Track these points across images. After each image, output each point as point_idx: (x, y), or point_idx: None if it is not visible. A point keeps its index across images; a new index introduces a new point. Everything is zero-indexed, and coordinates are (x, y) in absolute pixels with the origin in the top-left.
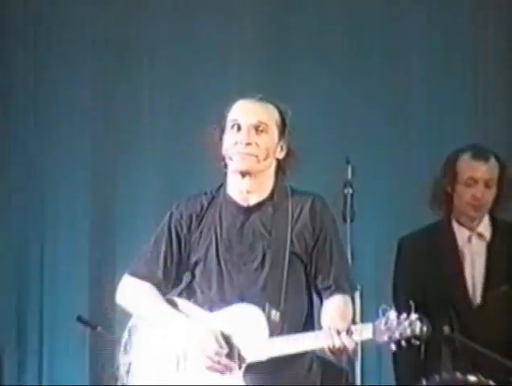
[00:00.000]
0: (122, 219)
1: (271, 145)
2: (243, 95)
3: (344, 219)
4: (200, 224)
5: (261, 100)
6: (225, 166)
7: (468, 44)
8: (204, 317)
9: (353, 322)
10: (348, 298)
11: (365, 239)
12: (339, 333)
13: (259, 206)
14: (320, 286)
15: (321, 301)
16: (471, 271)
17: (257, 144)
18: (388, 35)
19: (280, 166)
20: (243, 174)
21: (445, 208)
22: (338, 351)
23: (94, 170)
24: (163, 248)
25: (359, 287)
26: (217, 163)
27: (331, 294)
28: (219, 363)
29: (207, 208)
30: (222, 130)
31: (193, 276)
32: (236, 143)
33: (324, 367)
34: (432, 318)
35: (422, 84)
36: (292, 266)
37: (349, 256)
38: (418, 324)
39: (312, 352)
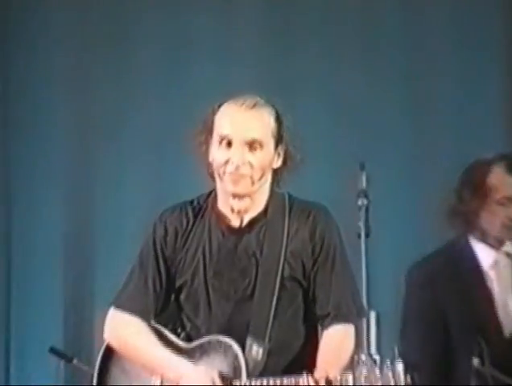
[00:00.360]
0: (101, 233)
1: (267, 161)
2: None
3: (359, 235)
4: (186, 241)
5: (254, 106)
6: (213, 178)
7: (497, 43)
8: (182, 352)
9: (368, 349)
10: (350, 327)
11: (382, 256)
12: (317, 383)
13: (252, 224)
14: (318, 313)
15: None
16: (501, 295)
17: (251, 164)
18: (407, 29)
19: (276, 174)
20: (234, 195)
21: (465, 226)
22: None
23: (69, 179)
24: (150, 274)
25: (375, 312)
26: (204, 170)
27: (330, 324)
28: None
29: (193, 222)
30: (209, 136)
31: (177, 300)
32: (226, 162)
33: None
34: (457, 349)
35: (446, 83)
36: (287, 292)
37: (364, 277)
38: (401, 376)
39: None
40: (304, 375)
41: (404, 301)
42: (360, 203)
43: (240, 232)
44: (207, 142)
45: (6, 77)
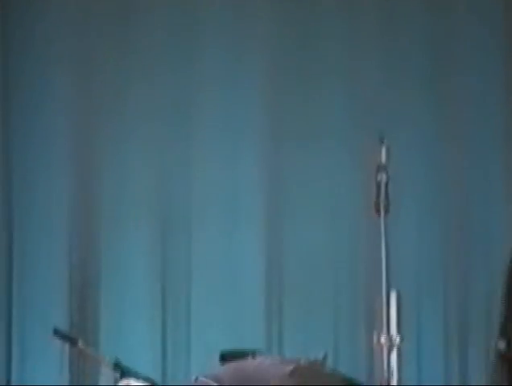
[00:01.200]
0: (107, 213)
1: None
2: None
3: (378, 211)
4: None
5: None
6: None
7: None
8: None
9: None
10: None
11: (402, 234)
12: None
13: None
14: None
15: None
16: None
17: None
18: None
19: None
20: None
21: None
22: None
23: (72, 155)
24: None
25: (395, 291)
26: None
27: None
28: None
29: None
30: None
31: None
32: None
33: None
34: None
35: (468, 56)
36: None
37: (383, 254)
38: None
39: None
40: None
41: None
42: (379, 178)
43: None
44: None
45: (6, 54)
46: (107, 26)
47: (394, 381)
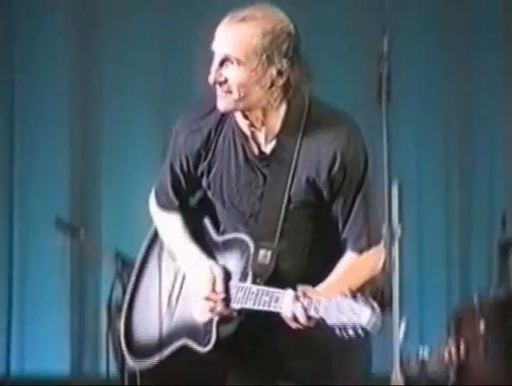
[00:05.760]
0: (109, 108)
1: (249, 79)
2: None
3: (379, 102)
4: (207, 156)
5: (242, 19)
6: None
7: None
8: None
9: (390, 221)
10: (365, 256)
11: (404, 124)
12: (296, 300)
13: (269, 145)
14: (332, 239)
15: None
16: None
17: (226, 80)
18: None
19: (292, 91)
20: (232, 113)
21: None
22: (292, 320)
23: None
24: (177, 172)
25: (396, 183)
26: None
27: (349, 249)
28: (212, 309)
29: (215, 136)
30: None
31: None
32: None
33: None
34: None
35: None
36: (297, 213)
37: (385, 145)
38: (367, 313)
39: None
40: (287, 290)
41: None
42: (381, 68)
43: (256, 157)
44: None
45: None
46: None
47: (396, 273)
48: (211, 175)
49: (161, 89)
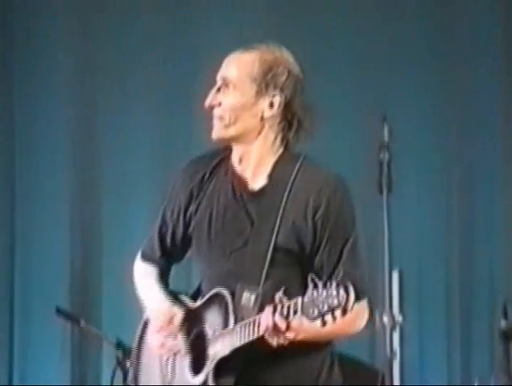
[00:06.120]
0: (109, 186)
1: (241, 104)
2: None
3: (380, 190)
4: (200, 192)
5: (247, 50)
6: None
7: None
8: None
9: (390, 308)
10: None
11: (405, 213)
12: (274, 311)
13: (257, 185)
14: None
15: None
16: None
17: (220, 104)
18: None
19: (283, 133)
20: (223, 142)
21: None
22: (274, 333)
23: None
24: (165, 224)
25: (397, 270)
26: None
27: None
28: (162, 345)
29: (209, 177)
30: None
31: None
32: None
33: (352, 368)
34: None
35: (471, 37)
36: (282, 260)
37: (386, 233)
38: (343, 292)
39: (331, 348)
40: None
41: None
42: (381, 156)
43: (245, 193)
44: None
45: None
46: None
47: (397, 360)
48: (198, 213)
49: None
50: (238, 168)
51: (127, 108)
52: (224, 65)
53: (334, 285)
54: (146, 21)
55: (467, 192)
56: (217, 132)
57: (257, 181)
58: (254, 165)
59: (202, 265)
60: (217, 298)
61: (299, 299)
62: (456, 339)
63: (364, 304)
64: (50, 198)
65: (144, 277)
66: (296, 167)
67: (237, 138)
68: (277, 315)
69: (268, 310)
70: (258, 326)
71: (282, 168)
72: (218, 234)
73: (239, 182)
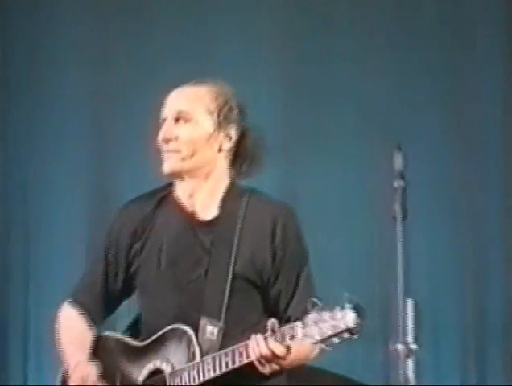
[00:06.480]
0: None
1: (198, 137)
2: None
3: (394, 218)
4: (144, 232)
5: (195, 84)
6: None
7: None
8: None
9: (404, 338)
10: None
11: (419, 241)
12: (266, 338)
13: (207, 217)
14: (280, 315)
15: None
16: None
17: (177, 138)
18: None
19: (235, 166)
20: (174, 176)
21: None
22: (268, 361)
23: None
24: (101, 269)
25: (411, 300)
26: None
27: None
28: None
29: (154, 212)
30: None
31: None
32: (160, 140)
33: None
34: None
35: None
36: (241, 289)
37: (400, 262)
38: (351, 314)
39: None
40: (250, 339)
41: None
42: (396, 184)
43: (196, 224)
44: None
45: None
46: None
47: None
48: (144, 250)
49: None
50: (187, 202)
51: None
52: (174, 99)
53: (338, 308)
54: None
55: (482, 220)
56: (172, 165)
57: (207, 212)
58: (204, 198)
59: (147, 300)
60: (173, 333)
61: (297, 323)
62: (471, 366)
63: None
64: None
65: (71, 323)
66: (246, 197)
67: (192, 171)
68: (272, 343)
69: (258, 337)
70: (241, 355)
71: (232, 199)
72: (169, 267)
73: (188, 215)
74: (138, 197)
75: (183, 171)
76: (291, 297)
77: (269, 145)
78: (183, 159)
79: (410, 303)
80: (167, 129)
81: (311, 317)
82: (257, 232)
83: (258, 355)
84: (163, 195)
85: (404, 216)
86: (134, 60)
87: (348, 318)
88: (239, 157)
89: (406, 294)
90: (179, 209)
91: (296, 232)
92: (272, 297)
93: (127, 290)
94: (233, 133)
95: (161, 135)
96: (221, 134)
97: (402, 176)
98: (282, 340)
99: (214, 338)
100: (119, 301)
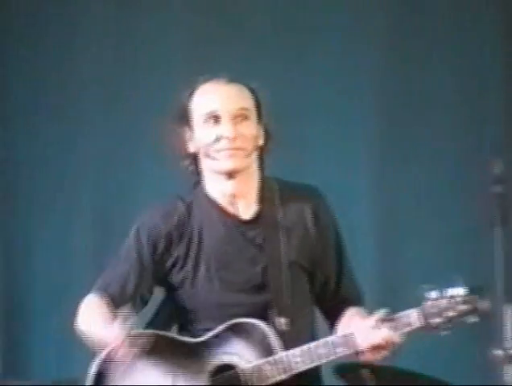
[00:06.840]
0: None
1: (255, 133)
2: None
3: (492, 223)
4: (182, 238)
5: (230, 81)
6: (192, 165)
7: None
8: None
9: (504, 345)
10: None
11: None
12: (382, 322)
13: (250, 212)
14: (329, 301)
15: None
16: None
17: (243, 136)
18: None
19: (261, 156)
20: (230, 174)
21: None
22: (381, 349)
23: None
24: (129, 270)
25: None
26: (181, 163)
27: (346, 307)
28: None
29: (189, 218)
30: (186, 126)
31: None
32: (217, 139)
33: None
34: None
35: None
36: (295, 275)
37: (501, 268)
38: (474, 297)
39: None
40: (356, 326)
41: None
42: (495, 189)
43: (241, 223)
44: (184, 133)
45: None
46: None
47: None
48: (190, 251)
49: None
50: (228, 202)
51: None
52: (222, 95)
53: (454, 290)
54: None
55: None
56: (238, 162)
57: (249, 210)
58: (246, 196)
59: (193, 301)
60: (239, 328)
61: (413, 311)
62: None
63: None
64: None
65: (95, 308)
66: (277, 188)
67: (247, 169)
68: (386, 332)
69: (365, 330)
70: (342, 346)
71: (267, 193)
72: (222, 268)
73: (231, 215)
74: (163, 201)
75: (244, 167)
76: (340, 279)
77: (364, 156)
78: (246, 156)
79: (510, 310)
80: (234, 128)
81: (431, 302)
82: (299, 219)
83: (367, 345)
84: (192, 198)
85: (505, 221)
86: (142, 61)
87: (472, 300)
88: (263, 152)
89: (506, 301)
90: (219, 210)
91: (332, 213)
92: (320, 280)
93: (152, 291)
94: (265, 129)
95: (230, 133)
96: (260, 131)
97: (501, 181)
98: (398, 328)
99: (284, 328)
100: (144, 304)
